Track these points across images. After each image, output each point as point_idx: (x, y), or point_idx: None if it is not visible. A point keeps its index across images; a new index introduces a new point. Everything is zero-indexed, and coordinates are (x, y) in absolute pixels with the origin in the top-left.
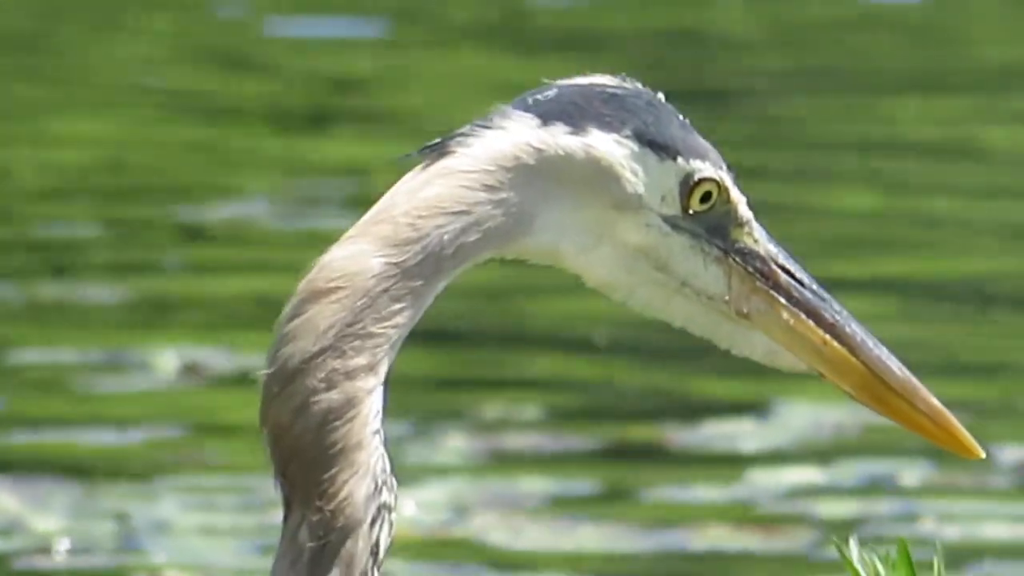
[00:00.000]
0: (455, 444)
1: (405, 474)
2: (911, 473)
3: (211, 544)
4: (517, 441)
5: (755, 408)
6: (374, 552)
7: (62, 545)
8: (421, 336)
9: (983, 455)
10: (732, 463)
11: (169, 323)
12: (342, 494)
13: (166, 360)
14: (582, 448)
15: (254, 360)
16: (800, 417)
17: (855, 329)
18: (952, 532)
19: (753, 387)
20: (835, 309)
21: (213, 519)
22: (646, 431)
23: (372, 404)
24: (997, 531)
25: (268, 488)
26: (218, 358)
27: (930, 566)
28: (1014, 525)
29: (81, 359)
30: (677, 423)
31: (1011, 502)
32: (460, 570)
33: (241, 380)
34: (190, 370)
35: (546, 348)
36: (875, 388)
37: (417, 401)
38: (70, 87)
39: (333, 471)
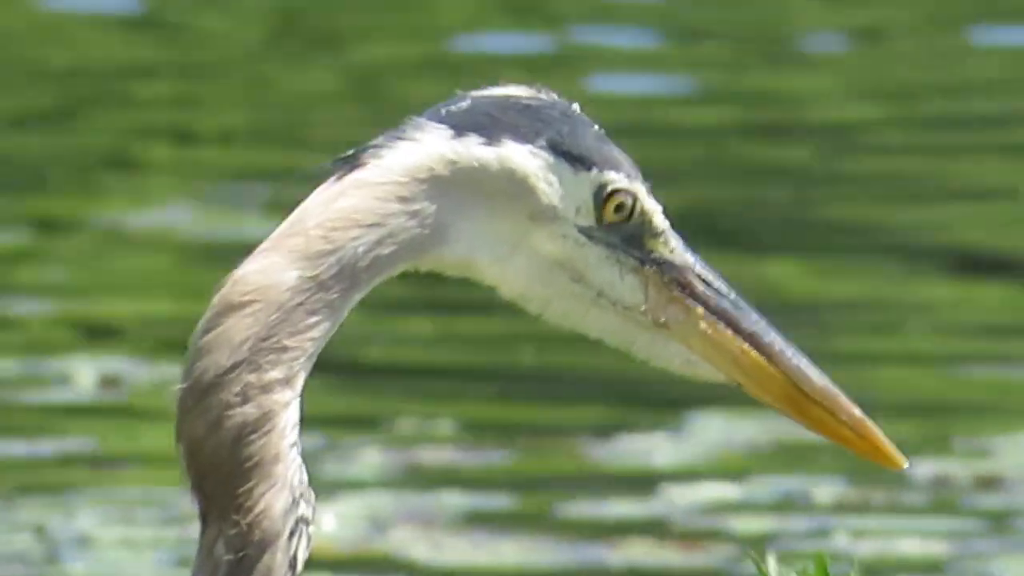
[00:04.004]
0: (370, 459)
1: (322, 489)
2: (825, 489)
3: (130, 557)
4: (432, 455)
5: (669, 423)
6: (292, 565)
7: None
8: (335, 352)
9: (906, 465)
10: (647, 478)
11: (90, 335)
12: (259, 507)
13: (85, 372)
14: (497, 463)
15: (173, 373)
16: (714, 432)
17: (774, 338)
18: (866, 548)
19: (667, 402)
20: (753, 319)
21: (132, 532)
22: (561, 446)
23: (288, 417)
24: (911, 547)
25: (186, 501)
26: (137, 371)
27: None
28: (927, 540)
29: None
30: (592, 438)
31: (925, 518)
32: None
33: (159, 393)
34: (109, 383)
35: (462, 363)
36: (794, 397)
37: (332, 416)
38: None
39: (250, 484)
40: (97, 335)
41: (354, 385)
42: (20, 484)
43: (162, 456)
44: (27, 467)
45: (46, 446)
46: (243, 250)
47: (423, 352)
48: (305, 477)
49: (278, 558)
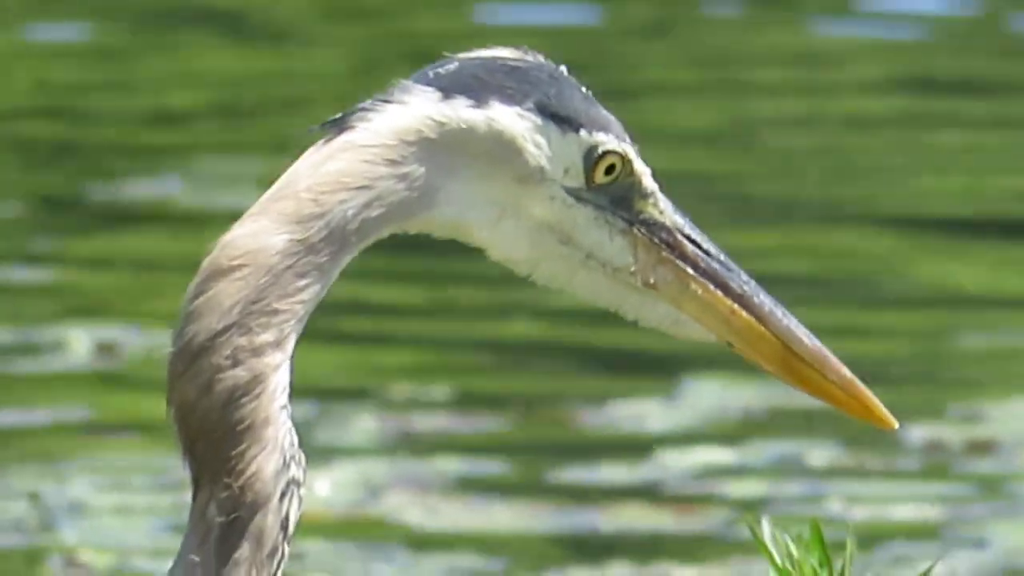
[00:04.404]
0: (364, 425)
1: (316, 455)
2: (819, 454)
3: (125, 524)
4: (426, 422)
5: (663, 389)
6: (284, 527)
7: None
8: (329, 317)
9: (896, 425)
10: (641, 443)
11: (84, 302)
12: (251, 470)
13: (79, 340)
14: (491, 429)
15: (168, 340)
16: (708, 397)
17: (763, 299)
18: (860, 513)
19: (661, 367)
20: (743, 279)
21: (127, 499)
22: (554, 412)
23: (279, 380)
24: (905, 512)
25: (181, 468)
26: (131, 338)
27: (839, 547)
28: (921, 506)
29: None
30: (585, 403)
31: (918, 482)
32: (375, 549)
33: (154, 360)
34: (104, 350)
35: (457, 329)
36: (785, 358)
37: (325, 382)
38: None
39: (241, 447)
40: (92, 303)
41: (347, 353)
42: (14, 452)
43: (156, 423)
44: (21, 435)
45: (40, 414)
46: None
47: (417, 322)
48: (296, 439)
49: (270, 520)
